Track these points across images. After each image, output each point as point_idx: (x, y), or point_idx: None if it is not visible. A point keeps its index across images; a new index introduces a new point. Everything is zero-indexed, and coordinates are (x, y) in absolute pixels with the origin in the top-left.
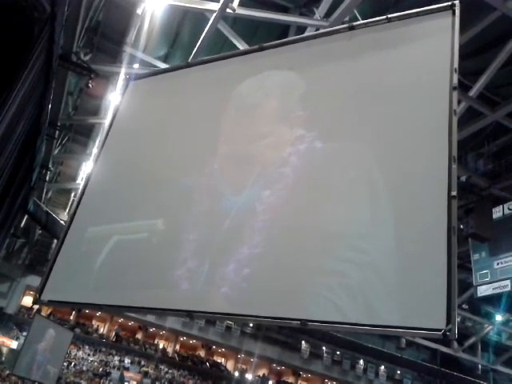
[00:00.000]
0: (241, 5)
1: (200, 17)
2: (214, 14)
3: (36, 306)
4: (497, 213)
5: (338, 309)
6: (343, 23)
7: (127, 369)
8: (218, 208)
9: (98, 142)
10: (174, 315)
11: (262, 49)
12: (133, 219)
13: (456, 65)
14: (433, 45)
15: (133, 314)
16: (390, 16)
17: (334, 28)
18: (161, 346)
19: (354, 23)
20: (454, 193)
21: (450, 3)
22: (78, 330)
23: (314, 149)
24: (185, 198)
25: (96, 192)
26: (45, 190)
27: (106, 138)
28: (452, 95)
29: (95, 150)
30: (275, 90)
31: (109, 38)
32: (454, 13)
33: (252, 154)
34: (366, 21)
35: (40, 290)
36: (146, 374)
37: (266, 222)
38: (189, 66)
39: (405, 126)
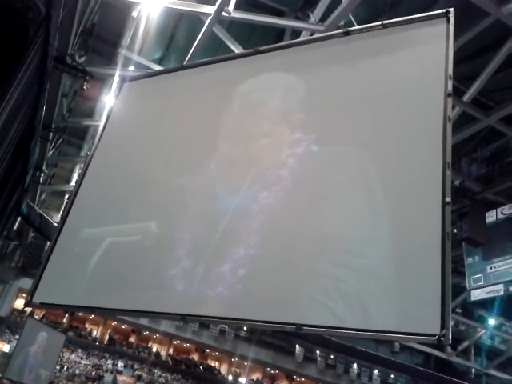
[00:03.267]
0: (236, 8)
1: (195, 20)
2: (210, 18)
3: (28, 309)
4: (490, 217)
5: (333, 313)
6: (338, 27)
7: (120, 372)
8: (213, 209)
9: (91, 143)
10: (168, 318)
11: (257, 52)
12: (126, 221)
13: (450, 72)
14: (428, 51)
15: (126, 317)
16: (385, 22)
17: (330, 33)
18: (154, 350)
19: (350, 28)
20: (448, 199)
21: (444, 10)
22: (70, 333)
23: (310, 152)
24: (179, 200)
25: (89, 193)
26: (38, 192)
27: (99, 139)
28: (446, 102)
29: (89, 152)
30: (271, 93)
31: (104, 40)
32: (448, 20)
33: (248, 156)
34: (361, 26)
35: (32, 292)
36: (139, 378)
37: (262, 223)
38: (183, 68)
39: (399, 131)
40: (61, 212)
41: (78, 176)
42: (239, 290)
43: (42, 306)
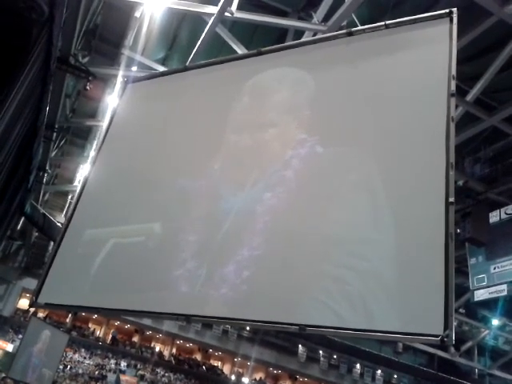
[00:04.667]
0: (239, 8)
1: (198, 20)
2: (213, 18)
3: (32, 309)
4: (494, 217)
5: (336, 314)
6: (341, 28)
7: (123, 372)
8: (217, 210)
9: (95, 144)
10: (172, 319)
11: (260, 53)
12: (130, 222)
13: (454, 72)
14: (431, 52)
15: (129, 317)
16: (388, 22)
17: (333, 34)
18: (157, 350)
19: (353, 29)
20: (451, 199)
21: (447, 10)
22: (74, 333)
23: (314, 153)
24: (183, 200)
25: (93, 194)
26: (42, 193)
27: (103, 140)
28: (450, 102)
29: (92, 153)
30: (274, 94)
31: (107, 41)
32: (451, 20)
33: (253, 156)
34: (364, 27)
35: (36, 293)
36: (142, 378)
37: (265, 224)
38: (186, 69)
39: (402, 132)
40: (64, 212)
41: (83, 177)
42: (243, 290)
43: (47, 306)
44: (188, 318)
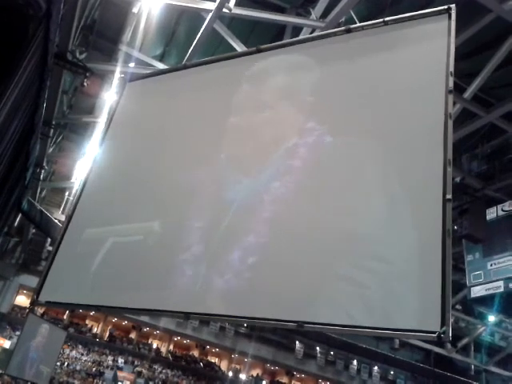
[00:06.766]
0: (237, 4)
1: (196, 16)
2: (210, 14)
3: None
4: (491, 214)
5: (334, 311)
6: (339, 24)
7: (121, 369)
8: (217, 208)
9: (93, 141)
10: (171, 316)
11: (259, 51)
12: (130, 220)
13: (452, 68)
14: (429, 48)
15: (128, 314)
16: (386, 19)
17: (331, 31)
18: (154, 346)
19: (351, 26)
20: (448, 196)
21: (446, 7)
22: (71, 330)
23: (315, 146)
24: (183, 199)
25: (94, 192)
26: (39, 189)
27: (103, 138)
28: (447, 98)
29: (91, 150)
30: (273, 90)
31: (104, 37)
32: (450, 16)
33: (258, 148)
34: (362, 24)
35: (37, 291)
36: (139, 374)
37: (268, 219)
38: (186, 67)
39: (400, 128)
40: (61, 209)
41: (83, 176)
42: (242, 289)
43: (48, 304)
44: (188, 316)
